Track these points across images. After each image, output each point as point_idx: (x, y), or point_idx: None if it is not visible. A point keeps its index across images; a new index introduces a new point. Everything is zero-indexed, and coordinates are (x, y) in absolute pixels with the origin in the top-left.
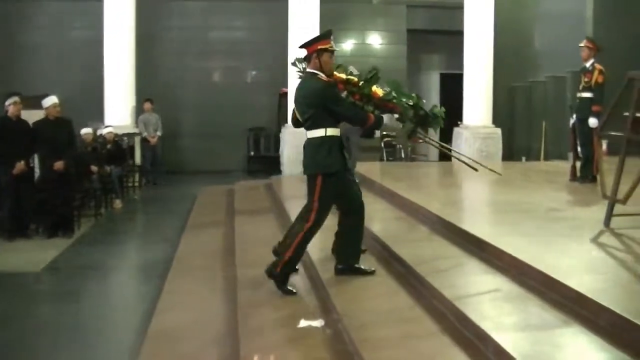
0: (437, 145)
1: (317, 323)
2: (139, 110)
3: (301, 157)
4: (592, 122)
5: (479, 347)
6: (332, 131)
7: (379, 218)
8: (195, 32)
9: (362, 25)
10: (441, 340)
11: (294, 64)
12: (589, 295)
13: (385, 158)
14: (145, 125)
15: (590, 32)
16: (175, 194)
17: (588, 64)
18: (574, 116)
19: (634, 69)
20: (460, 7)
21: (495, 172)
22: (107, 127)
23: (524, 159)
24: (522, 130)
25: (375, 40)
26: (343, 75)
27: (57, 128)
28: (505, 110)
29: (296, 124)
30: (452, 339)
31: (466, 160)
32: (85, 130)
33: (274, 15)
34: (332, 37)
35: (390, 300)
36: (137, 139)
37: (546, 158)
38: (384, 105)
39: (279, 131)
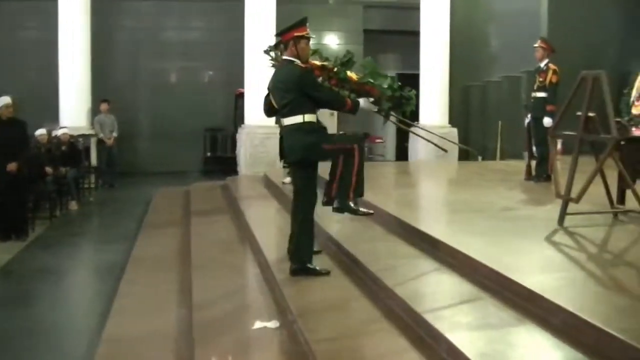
0: (408, 127)
1: (272, 324)
2: (94, 111)
3: (258, 156)
4: (547, 121)
5: (434, 346)
6: (309, 117)
7: (334, 219)
8: (150, 33)
9: (318, 26)
10: (396, 340)
11: (266, 52)
12: (543, 294)
13: None
14: (102, 126)
15: (545, 32)
16: (132, 196)
17: (542, 64)
18: (529, 116)
19: (587, 68)
20: (416, 8)
21: (468, 148)
22: (62, 128)
23: (480, 158)
24: (478, 130)
25: (332, 40)
26: (318, 62)
27: (9, 129)
28: (460, 110)
29: (269, 112)
30: (407, 339)
31: (437, 142)
32: (40, 132)
33: (229, 15)
34: (307, 25)
35: (345, 301)
36: (93, 140)
37: (502, 157)
38: (361, 88)
39: (236, 132)
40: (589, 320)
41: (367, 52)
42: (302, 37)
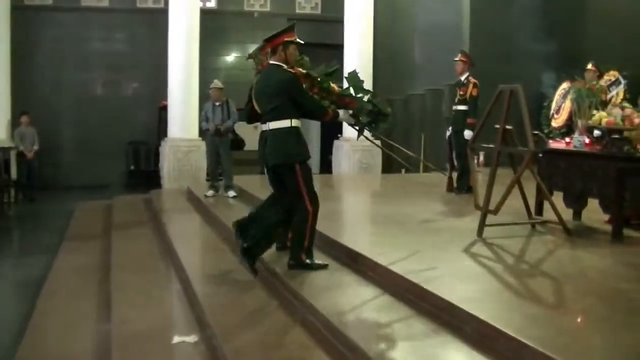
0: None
1: (191, 339)
2: (15, 124)
3: (182, 170)
4: (467, 134)
5: (351, 359)
6: (296, 122)
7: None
8: (74, 44)
9: (243, 38)
10: (315, 353)
11: (250, 57)
12: (458, 305)
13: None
14: (22, 139)
15: (466, 46)
16: (52, 210)
17: (463, 78)
18: (450, 128)
19: (507, 82)
20: (340, 21)
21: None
22: None
23: (403, 171)
24: (401, 143)
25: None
26: (302, 70)
27: None
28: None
29: (251, 119)
30: (325, 352)
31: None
32: None
33: (154, 27)
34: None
35: (264, 314)
36: (13, 153)
37: (425, 170)
38: (341, 100)
39: (159, 145)
40: (502, 329)
41: None
42: (291, 42)
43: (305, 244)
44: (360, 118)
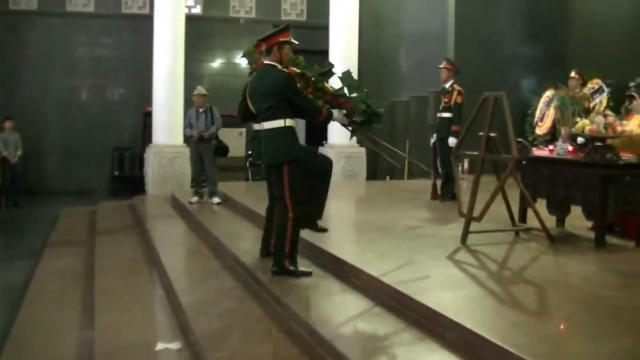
0: (373, 143)
1: (174, 345)
2: None
3: (166, 176)
4: (452, 141)
5: None
6: (290, 122)
7: (239, 238)
8: (60, 49)
9: (228, 45)
10: None
11: (244, 55)
12: (442, 312)
13: (250, 177)
14: (5, 144)
15: (451, 54)
16: (37, 215)
17: (447, 85)
18: (435, 136)
19: (492, 90)
20: (325, 27)
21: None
22: None
23: (387, 177)
24: (386, 149)
25: (243, 59)
26: (296, 69)
27: None
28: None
29: (244, 118)
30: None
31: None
32: None
33: (139, 32)
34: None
35: (248, 321)
36: None
37: (409, 177)
38: (335, 100)
39: (144, 150)
40: (486, 336)
41: None
42: (286, 42)
43: (286, 249)
44: (354, 118)
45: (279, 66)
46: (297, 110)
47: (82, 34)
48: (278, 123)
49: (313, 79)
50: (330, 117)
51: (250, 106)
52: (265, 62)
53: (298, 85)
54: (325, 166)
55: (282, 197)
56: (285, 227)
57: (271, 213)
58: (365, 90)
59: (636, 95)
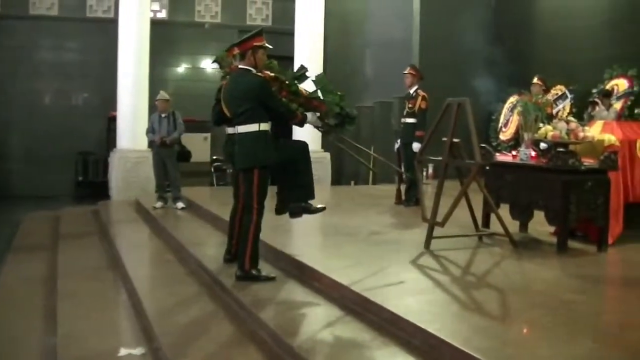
0: (347, 146)
1: (137, 351)
2: None
3: (130, 181)
4: (416, 146)
5: None
6: (264, 125)
7: (203, 243)
8: (22, 52)
9: (194, 49)
10: None
11: (216, 60)
12: (406, 317)
13: (215, 183)
14: None
15: (416, 60)
16: None
17: (412, 91)
18: (399, 141)
19: (455, 96)
20: (291, 33)
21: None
22: None
23: (352, 182)
24: (351, 155)
25: (208, 64)
26: (270, 73)
27: None
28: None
29: (218, 121)
30: None
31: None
32: None
33: (104, 37)
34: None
35: (211, 326)
36: None
37: (374, 182)
38: (309, 103)
39: (108, 155)
40: (449, 341)
41: None
42: (260, 46)
43: (248, 252)
44: (327, 120)
45: (254, 70)
46: (272, 114)
47: (46, 37)
48: (252, 127)
49: (287, 82)
50: (304, 120)
51: (225, 110)
52: (240, 66)
53: (273, 88)
54: (301, 145)
55: (249, 200)
56: (248, 230)
57: (234, 219)
58: (340, 93)
59: (599, 102)
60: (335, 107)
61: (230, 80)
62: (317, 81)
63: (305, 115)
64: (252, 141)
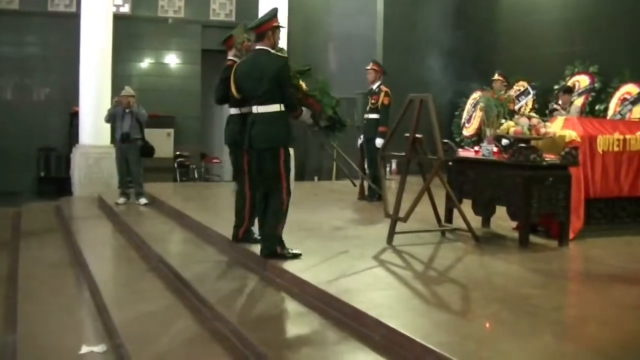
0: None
1: (99, 348)
2: None
3: (93, 177)
4: (379, 142)
5: None
6: (284, 107)
7: (166, 239)
8: None
9: (157, 45)
10: None
11: (229, 38)
12: (367, 312)
13: (178, 178)
14: None
15: (379, 56)
16: None
17: (374, 86)
18: (362, 136)
19: (418, 91)
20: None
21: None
22: None
23: (316, 178)
24: (314, 150)
25: (171, 59)
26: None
27: None
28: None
29: (221, 100)
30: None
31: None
32: None
33: (65, 31)
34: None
35: (173, 322)
36: None
37: (337, 177)
38: (305, 99)
39: (70, 151)
40: (410, 335)
41: (205, 72)
42: (278, 27)
43: (279, 233)
44: (319, 122)
45: (272, 51)
46: (283, 98)
47: (6, 32)
48: (274, 107)
49: (290, 74)
50: (301, 115)
51: (234, 90)
52: (258, 47)
53: None
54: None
55: (275, 181)
56: (279, 210)
57: (243, 200)
58: (336, 98)
59: (558, 108)
60: (329, 109)
61: (247, 61)
62: (320, 82)
63: (302, 110)
64: (275, 120)
